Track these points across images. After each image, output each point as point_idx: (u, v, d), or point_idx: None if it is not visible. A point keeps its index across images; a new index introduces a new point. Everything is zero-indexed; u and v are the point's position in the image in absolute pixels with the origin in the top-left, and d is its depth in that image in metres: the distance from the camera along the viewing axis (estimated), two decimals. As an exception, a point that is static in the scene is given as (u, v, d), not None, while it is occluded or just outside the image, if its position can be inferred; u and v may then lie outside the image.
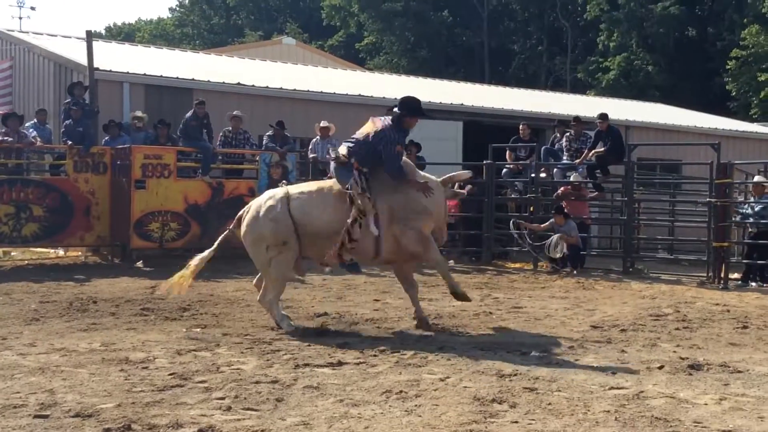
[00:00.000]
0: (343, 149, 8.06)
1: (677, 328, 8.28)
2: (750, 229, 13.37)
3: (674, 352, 7.04)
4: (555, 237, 13.54)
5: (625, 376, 6.05)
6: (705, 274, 12.94)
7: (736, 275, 12.98)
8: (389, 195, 7.88)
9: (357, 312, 9.00)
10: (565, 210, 14.15)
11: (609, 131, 14.51)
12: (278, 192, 8.14)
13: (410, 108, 8.05)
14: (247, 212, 8.04)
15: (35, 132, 13.95)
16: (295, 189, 8.24)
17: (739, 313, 9.51)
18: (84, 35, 15.41)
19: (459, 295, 8.30)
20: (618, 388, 5.69)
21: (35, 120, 14.46)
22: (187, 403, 5.19)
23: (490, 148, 15.63)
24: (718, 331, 8.22)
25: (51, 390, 5.44)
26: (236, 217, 8.21)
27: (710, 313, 9.41)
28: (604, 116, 14.66)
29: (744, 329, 8.36)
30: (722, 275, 12.56)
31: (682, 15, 40.76)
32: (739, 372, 6.30)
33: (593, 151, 14.50)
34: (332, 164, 8.26)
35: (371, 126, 7.98)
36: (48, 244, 14.10)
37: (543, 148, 15.96)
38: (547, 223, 13.99)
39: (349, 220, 7.69)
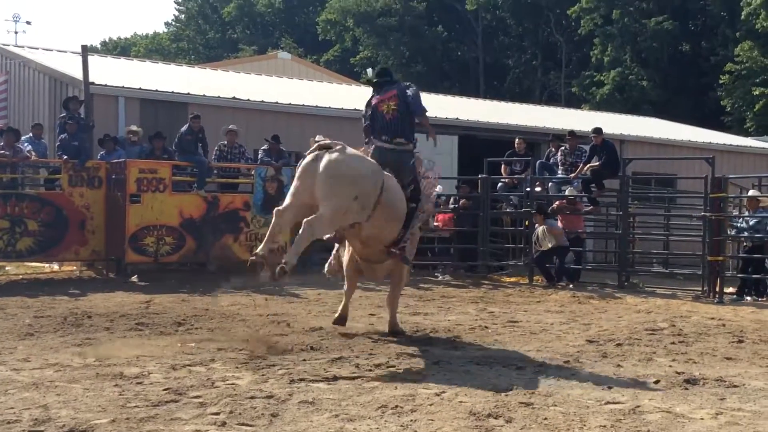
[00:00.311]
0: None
1: (673, 343, 8.28)
2: (745, 243, 13.39)
3: (670, 366, 7.04)
4: (540, 229, 13.64)
5: (621, 391, 6.04)
6: (700, 289, 12.95)
7: (731, 289, 13.00)
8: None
9: (352, 326, 8.98)
10: (560, 224, 14.18)
11: (604, 145, 14.58)
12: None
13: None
14: (342, 147, 7.44)
15: (30, 146, 13.94)
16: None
17: (734, 327, 9.52)
18: (79, 50, 15.42)
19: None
20: (614, 403, 5.68)
21: (30, 134, 14.44)
22: (182, 418, 5.17)
23: (485, 162, 15.67)
24: (713, 345, 8.22)
25: (45, 405, 5.41)
26: (318, 145, 7.48)
27: (706, 328, 9.42)
28: (598, 130, 14.73)
29: (739, 343, 8.37)
30: (717, 289, 12.57)
31: (675, 30, 40.96)
32: (735, 386, 6.30)
33: (588, 166, 14.55)
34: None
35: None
36: (43, 259, 14.06)
37: (538, 162, 16.00)
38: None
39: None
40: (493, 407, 5.46)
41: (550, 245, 13.72)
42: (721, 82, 38.46)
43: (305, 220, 7.16)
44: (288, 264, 7.02)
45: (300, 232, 7.11)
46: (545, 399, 5.74)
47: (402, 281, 8.60)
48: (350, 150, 7.52)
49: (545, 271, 13.96)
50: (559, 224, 14.18)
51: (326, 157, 7.28)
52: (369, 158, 7.71)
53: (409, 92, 8.13)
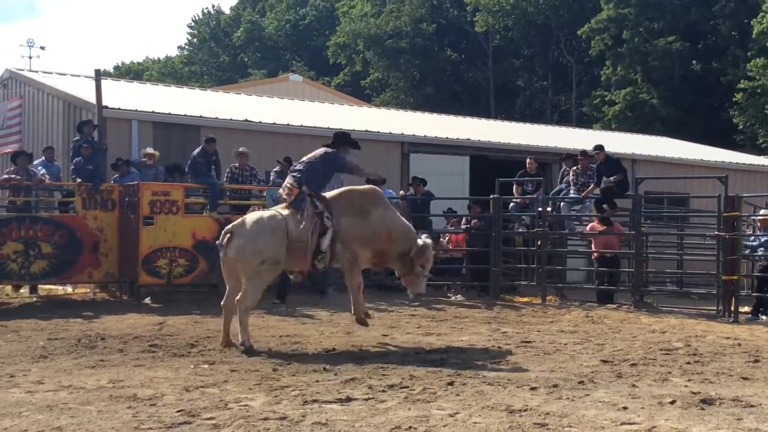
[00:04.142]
0: (290, 180, 9.17)
1: (688, 362, 8.22)
2: (760, 263, 13.30)
3: (686, 386, 6.98)
4: None
5: (636, 411, 5.99)
6: (715, 308, 12.86)
7: (746, 308, 12.90)
8: (343, 218, 8.99)
9: (365, 347, 8.96)
10: (593, 246, 14.30)
11: (607, 162, 14.48)
12: (273, 213, 9.03)
13: (342, 140, 9.56)
14: (242, 227, 8.80)
15: (44, 169, 14.04)
16: (281, 210, 9.08)
17: (750, 346, 9.44)
18: (93, 74, 15.55)
19: (359, 320, 9.42)
20: (629, 424, 5.64)
21: (43, 158, 14.54)
22: (196, 440, 5.16)
23: (497, 182, 15.65)
24: (729, 365, 8.15)
25: (59, 428, 5.41)
26: (224, 232, 8.93)
27: (721, 347, 9.35)
28: (599, 147, 14.63)
29: (755, 363, 8.30)
30: (732, 308, 12.47)
31: (685, 50, 40.98)
32: (752, 406, 6.24)
33: (603, 182, 14.49)
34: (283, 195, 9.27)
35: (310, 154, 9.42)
36: (56, 281, 14.11)
37: (554, 191, 16.11)
38: None
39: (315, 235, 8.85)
40: (507, 428, 5.43)
41: None
42: (734, 99, 38.39)
43: (236, 300, 8.75)
44: (245, 343, 8.52)
45: (238, 314, 8.68)
46: (560, 420, 5.70)
47: (348, 273, 9.30)
48: (249, 224, 8.82)
49: None
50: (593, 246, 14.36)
51: (233, 243, 8.75)
52: (269, 220, 8.88)
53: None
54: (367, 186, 9.97)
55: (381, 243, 9.20)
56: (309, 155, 9.43)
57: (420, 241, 9.41)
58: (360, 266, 9.26)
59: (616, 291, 14.48)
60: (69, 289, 14.69)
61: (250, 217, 9.01)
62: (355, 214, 9.08)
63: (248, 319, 8.81)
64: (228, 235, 8.82)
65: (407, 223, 9.73)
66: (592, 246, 14.75)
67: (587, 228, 14.91)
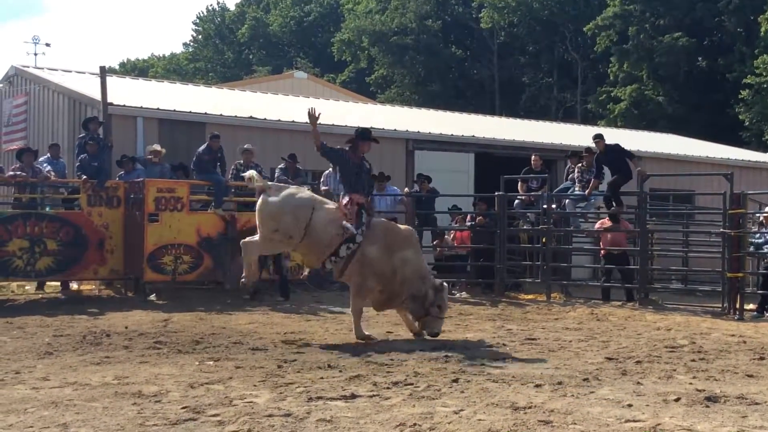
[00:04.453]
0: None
1: (693, 360, 8.21)
2: (765, 260, 13.27)
3: (690, 384, 6.97)
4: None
5: (641, 409, 5.99)
6: (720, 305, 12.84)
7: (751, 306, 12.87)
8: (369, 245, 9.25)
9: (369, 344, 8.97)
10: (602, 243, 14.37)
11: (607, 150, 14.38)
12: (308, 196, 9.62)
13: (362, 134, 9.78)
14: (278, 190, 9.45)
15: (49, 166, 14.05)
16: (318, 200, 9.63)
17: (755, 344, 9.43)
18: (98, 71, 15.56)
19: (359, 337, 9.33)
20: (634, 421, 5.63)
21: (48, 155, 14.56)
22: (200, 436, 5.17)
23: (501, 179, 15.64)
24: (734, 362, 8.14)
25: (64, 424, 5.42)
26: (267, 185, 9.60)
27: (726, 345, 9.33)
28: (599, 136, 14.51)
29: (761, 360, 8.28)
30: (737, 306, 12.46)
31: (691, 46, 40.85)
32: (757, 404, 6.22)
33: (601, 182, 14.48)
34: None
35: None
36: (62, 278, 14.13)
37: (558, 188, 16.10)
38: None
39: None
40: (512, 425, 5.43)
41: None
42: (740, 96, 38.28)
43: (242, 240, 9.64)
44: (247, 279, 9.61)
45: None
46: (564, 417, 5.69)
47: (352, 296, 9.48)
48: (284, 193, 9.38)
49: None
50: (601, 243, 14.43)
51: (260, 198, 9.40)
52: (300, 198, 9.37)
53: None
54: (405, 227, 10.37)
55: (392, 283, 9.34)
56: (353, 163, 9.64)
57: (434, 285, 9.44)
58: (366, 294, 9.41)
59: (621, 288, 14.47)
60: (74, 285, 14.70)
61: (291, 188, 9.71)
62: (381, 246, 9.30)
63: (251, 260, 9.59)
64: (267, 188, 9.45)
65: (425, 267, 9.86)
66: (601, 243, 14.74)
67: (596, 225, 14.90)
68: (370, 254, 9.20)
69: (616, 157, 14.31)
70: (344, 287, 14.56)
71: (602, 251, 14.81)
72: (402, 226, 10.30)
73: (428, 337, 9.33)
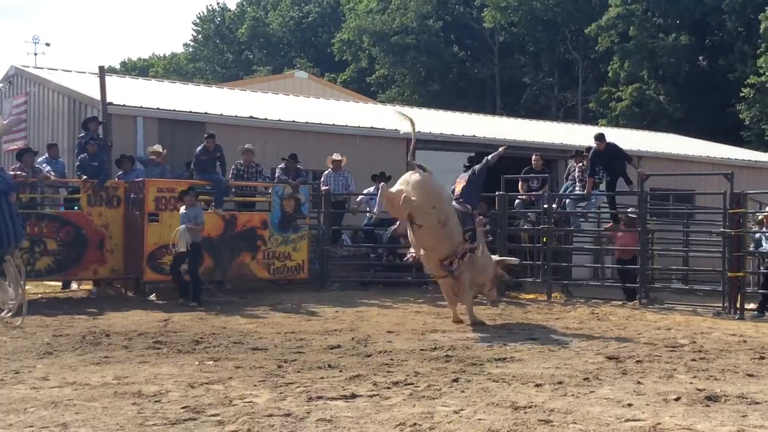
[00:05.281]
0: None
1: (693, 359, 8.20)
2: (766, 259, 13.26)
3: (691, 383, 6.97)
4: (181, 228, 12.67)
5: (641, 408, 5.98)
6: (720, 305, 12.83)
7: (752, 305, 12.87)
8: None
9: (369, 344, 8.96)
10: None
11: (606, 149, 14.32)
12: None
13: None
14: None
15: (48, 166, 14.04)
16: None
17: (755, 343, 9.42)
18: (97, 71, 15.55)
19: (474, 323, 10.80)
20: (634, 420, 5.63)
21: (46, 155, 14.55)
22: (200, 436, 5.16)
23: (502, 179, 15.63)
24: (735, 361, 8.14)
25: (64, 424, 5.42)
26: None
27: (727, 344, 9.33)
28: (600, 136, 14.44)
29: (761, 360, 8.28)
30: (738, 305, 12.45)
31: (692, 46, 40.83)
32: (757, 403, 6.22)
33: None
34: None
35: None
36: (62, 278, 14.13)
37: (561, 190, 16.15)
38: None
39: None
40: (512, 425, 5.42)
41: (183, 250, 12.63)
42: (741, 95, 38.24)
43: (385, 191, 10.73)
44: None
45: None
46: (564, 416, 5.69)
47: (464, 291, 11.07)
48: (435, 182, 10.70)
49: None
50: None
51: (418, 173, 10.52)
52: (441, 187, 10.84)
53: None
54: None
55: (490, 272, 11.41)
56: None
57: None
58: (472, 289, 11.19)
59: (621, 288, 14.47)
60: (74, 285, 14.70)
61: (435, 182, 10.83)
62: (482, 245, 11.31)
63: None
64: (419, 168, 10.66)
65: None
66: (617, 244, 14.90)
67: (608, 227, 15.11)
68: (476, 254, 10.97)
69: (610, 156, 14.28)
70: (344, 287, 14.60)
71: (616, 254, 14.94)
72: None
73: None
